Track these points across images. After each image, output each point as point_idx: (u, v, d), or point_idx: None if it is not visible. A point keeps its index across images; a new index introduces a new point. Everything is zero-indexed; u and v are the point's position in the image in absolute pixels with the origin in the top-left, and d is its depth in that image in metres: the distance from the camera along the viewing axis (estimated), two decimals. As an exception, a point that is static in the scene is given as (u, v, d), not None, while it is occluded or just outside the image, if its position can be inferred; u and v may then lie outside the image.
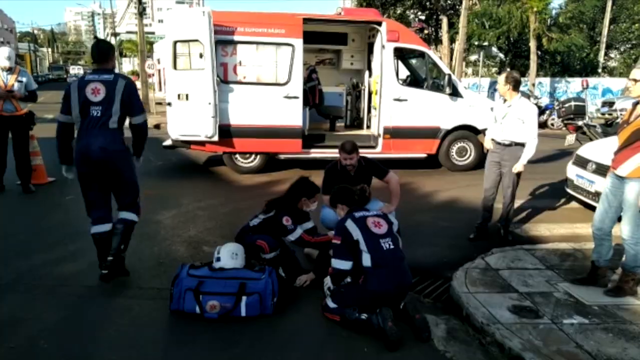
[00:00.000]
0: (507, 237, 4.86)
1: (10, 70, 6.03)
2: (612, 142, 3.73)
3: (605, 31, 24.83)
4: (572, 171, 6.10)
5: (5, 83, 5.99)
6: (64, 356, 2.76)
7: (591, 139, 8.12)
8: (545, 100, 19.03)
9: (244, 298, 3.17)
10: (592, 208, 5.61)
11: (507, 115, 4.67)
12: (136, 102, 3.67)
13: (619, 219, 3.48)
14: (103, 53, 3.66)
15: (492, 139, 4.85)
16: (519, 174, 4.71)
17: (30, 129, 6.52)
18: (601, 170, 5.41)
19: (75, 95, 3.50)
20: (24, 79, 6.14)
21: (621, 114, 3.73)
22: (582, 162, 5.89)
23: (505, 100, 4.80)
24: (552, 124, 16.72)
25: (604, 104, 18.15)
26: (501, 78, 4.73)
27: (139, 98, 3.74)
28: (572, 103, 16.33)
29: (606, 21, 24.84)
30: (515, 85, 4.63)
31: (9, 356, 2.75)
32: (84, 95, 3.48)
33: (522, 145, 4.62)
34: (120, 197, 3.80)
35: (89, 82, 3.50)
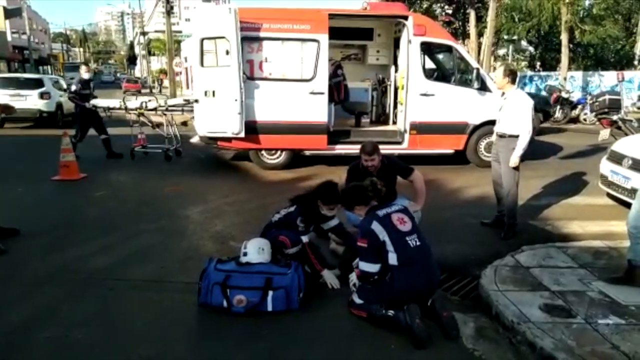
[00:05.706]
0: (508, 235, 4.73)
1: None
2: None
3: (641, 22, 23.88)
4: (606, 167, 5.92)
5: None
6: (97, 347, 2.84)
7: (626, 134, 7.88)
8: (577, 95, 18.46)
9: (270, 292, 3.18)
10: (628, 205, 5.43)
11: (502, 107, 4.77)
12: None
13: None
14: None
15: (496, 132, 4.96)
16: (516, 168, 4.66)
17: None
18: (638, 166, 5.23)
19: None
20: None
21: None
22: (618, 158, 5.71)
23: (503, 94, 4.85)
24: (585, 119, 16.24)
25: (640, 97, 17.49)
26: (499, 71, 4.74)
27: None
28: (607, 97, 15.80)
29: (643, 11, 23.89)
30: (513, 78, 4.71)
31: (46, 346, 2.85)
32: None
33: (516, 137, 4.59)
34: None
35: None
